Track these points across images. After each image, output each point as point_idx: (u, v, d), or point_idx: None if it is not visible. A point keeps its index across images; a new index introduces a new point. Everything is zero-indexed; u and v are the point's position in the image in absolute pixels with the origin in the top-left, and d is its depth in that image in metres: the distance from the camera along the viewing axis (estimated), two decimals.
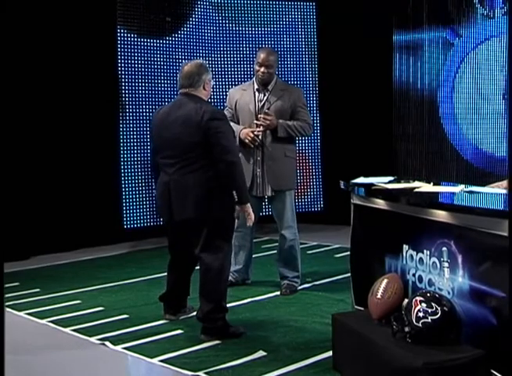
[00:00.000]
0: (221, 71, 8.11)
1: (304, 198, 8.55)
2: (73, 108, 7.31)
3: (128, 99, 7.67)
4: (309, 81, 8.49)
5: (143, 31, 7.70)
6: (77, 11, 7.23)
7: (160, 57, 7.79)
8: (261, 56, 5.34)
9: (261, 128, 5.26)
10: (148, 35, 7.73)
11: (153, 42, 7.75)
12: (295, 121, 5.35)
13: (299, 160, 8.14)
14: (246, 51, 8.21)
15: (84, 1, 7.27)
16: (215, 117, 4.28)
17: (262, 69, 5.31)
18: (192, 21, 7.99)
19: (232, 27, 8.21)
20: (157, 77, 7.79)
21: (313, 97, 8.46)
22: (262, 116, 5.26)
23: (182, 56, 7.84)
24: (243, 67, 8.18)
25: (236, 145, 4.81)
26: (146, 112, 7.71)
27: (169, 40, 7.84)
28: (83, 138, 7.37)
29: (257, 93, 5.39)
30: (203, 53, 7.96)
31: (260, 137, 5.28)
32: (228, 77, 8.12)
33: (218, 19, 8.16)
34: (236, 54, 8.20)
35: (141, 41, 7.70)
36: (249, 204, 4.42)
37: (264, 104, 5.35)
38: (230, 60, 8.18)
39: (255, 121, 5.28)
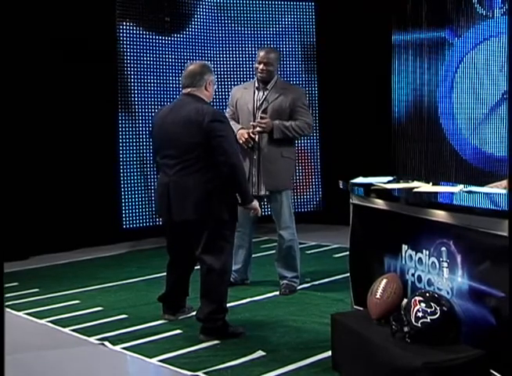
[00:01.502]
0: (221, 72, 8.10)
1: (304, 198, 8.55)
2: (72, 108, 7.30)
3: (128, 99, 7.67)
4: (309, 80, 8.49)
5: (144, 32, 7.70)
6: (76, 12, 7.22)
7: (159, 57, 7.79)
8: (261, 53, 5.36)
9: (257, 129, 5.26)
10: (149, 35, 7.73)
11: (153, 43, 7.75)
12: (293, 121, 5.34)
13: (298, 160, 8.13)
14: (245, 51, 8.20)
15: (84, 1, 7.27)
16: (217, 119, 4.27)
17: (261, 66, 5.31)
18: (191, 21, 7.98)
19: (233, 27, 8.20)
20: (157, 78, 7.79)
21: (313, 97, 8.46)
22: (257, 120, 5.26)
23: (181, 56, 7.84)
24: (243, 68, 8.17)
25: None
26: (145, 112, 7.71)
27: (169, 40, 7.83)
28: (82, 138, 7.36)
29: (256, 92, 5.40)
30: (202, 53, 7.95)
31: (256, 139, 5.28)
32: (227, 78, 8.11)
33: (219, 20, 8.15)
34: (236, 54, 8.19)
35: (141, 42, 7.69)
36: (254, 202, 4.45)
37: (262, 103, 5.35)
38: (230, 61, 8.17)
39: (251, 123, 5.28)
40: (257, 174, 5.32)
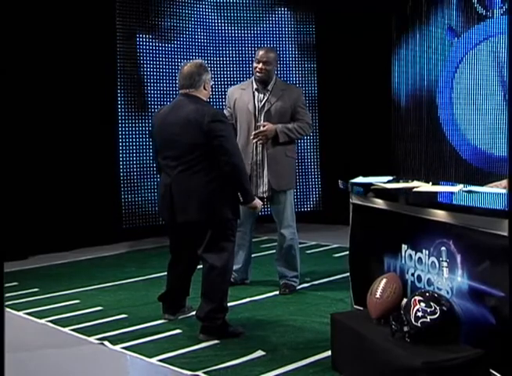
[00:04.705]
0: (219, 72, 8.10)
1: (303, 197, 8.55)
2: (72, 108, 7.30)
3: (127, 99, 7.68)
4: (308, 80, 8.49)
5: (143, 33, 7.71)
6: (76, 15, 7.23)
7: (157, 59, 7.80)
8: (260, 52, 5.36)
9: (260, 141, 5.24)
10: (146, 37, 7.74)
11: (151, 44, 7.76)
12: (295, 121, 5.34)
13: (298, 160, 8.13)
14: (243, 52, 8.20)
15: (83, 5, 7.27)
16: (217, 119, 4.27)
17: (260, 65, 5.29)
18: (190, 22, 7.98)
19: (230, 27, 8.21)
20: (155, 79, 7.80)
21: (312, 97, 8.46)
22: (256, 131, 5.23)
23: (180, 56, 7.84)
24: (241, 68, 8.17)
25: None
26: (144, 112, 7.72)
27: (166, 43, 7.83)
28: (82, 138, 7.36)
29: (256, 93, 5.37)
30: (200, 55, 7.94)
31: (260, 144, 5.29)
32: (226, 79, 8.11)
33: (216, 21, 8.16)
34: (234, 55, 8.19)
35: (140, 42, 7.71)
36: (255, 200, 4.46)
37: (264, 104, 5.34)
38: (228, 61, 8.17)
39: (253, 133, 5.24)
40: (262, 175, 5.31)
